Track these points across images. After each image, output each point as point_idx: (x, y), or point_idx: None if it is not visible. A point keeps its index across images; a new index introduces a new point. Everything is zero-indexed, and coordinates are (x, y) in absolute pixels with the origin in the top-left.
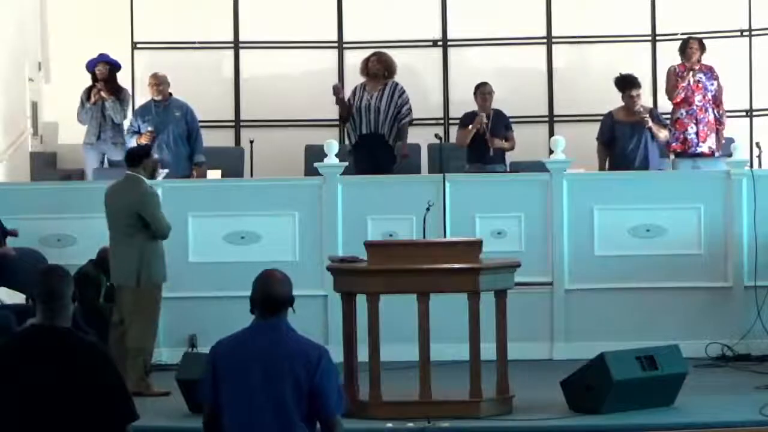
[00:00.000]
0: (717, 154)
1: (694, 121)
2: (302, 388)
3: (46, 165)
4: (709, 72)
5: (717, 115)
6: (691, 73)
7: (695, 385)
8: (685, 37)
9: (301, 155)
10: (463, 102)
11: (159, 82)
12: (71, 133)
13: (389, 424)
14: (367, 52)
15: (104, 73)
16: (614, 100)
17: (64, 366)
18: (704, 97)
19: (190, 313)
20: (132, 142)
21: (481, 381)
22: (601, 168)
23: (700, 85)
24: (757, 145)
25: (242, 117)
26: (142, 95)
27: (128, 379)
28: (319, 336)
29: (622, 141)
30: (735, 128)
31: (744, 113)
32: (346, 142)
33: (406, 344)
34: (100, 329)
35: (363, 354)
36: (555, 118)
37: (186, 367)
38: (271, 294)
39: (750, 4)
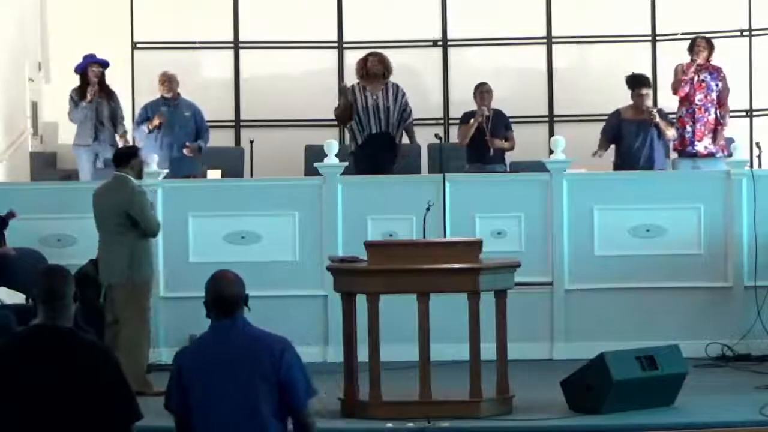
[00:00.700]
0: (719, 154)
1: (692, 120)
2: (270, 383)
3: (46, 165)
4: (716, 72)
5: (718, 115)
6: (693, 68)
7: (695, 385)
8: (685, 37)
9: (301, 155)
10: (463, 102)
11: (170, 79)
12: (71, 133)
13: (389, 424)
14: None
15: (99, 75)
16: (614, 100)
17: (67, 366)
18: (706, 96)
19: (190, 313)
20: (143, 129)
21: (481, 381)
22: (600, 149)
23: (704, 84)
24: (757, 145)
25: (242, 117)
26: (141, 95)
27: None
28: (319, 336)
29: (627, 139)
30: (735, 128)
31: (744, 113)
32: (347, 142)
33: (406, 344)
34: (100, 329)
35: (363, 354)
36: (555, 118)
37: None
38: (222, 295)
39: (750, 4)
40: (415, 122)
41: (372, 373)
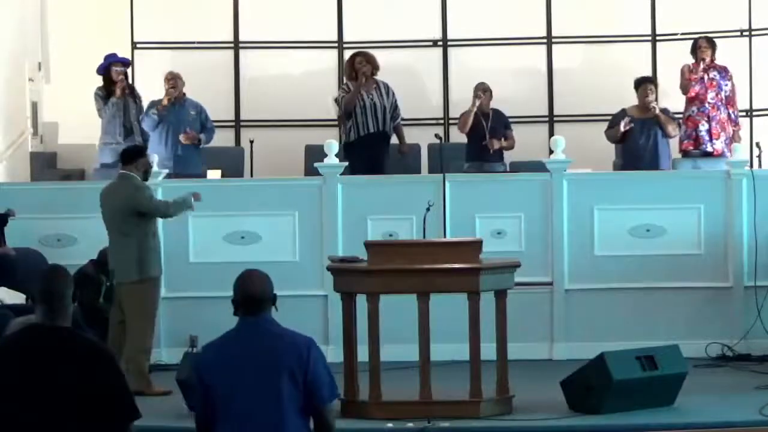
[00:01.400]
0: (729, 155)
1: (706, 119)
2: (297, 381)
3: (46, 165)
4: (724, 72)
5: (732, 115)
6: (701, 66)
7: (695, 385)
8: (685, 37)
9: (301, 155)
10: (463, 102)
11: (175, 77)
12: (71, 133)
13: (389, 424)
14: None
15: (122, 72)
16: (615, 100)
17: (65, 365)
18: (717, 95)
19: (190, 313)
20: (153, 116)
21: (481, 381)
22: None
23: (714, 83)
24: (757, 145)
25: (242, 117)
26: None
27: (128, 378)
28: (319, 336)
29: (632, 136)
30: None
31: (744, 113)
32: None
33: (406, 344)
34: (100, 329)
35: (363, 354)
36: (555, 118)
37: (186, 367)
38: (251, 293)
39: (750, 4)
40: (415, 122)
41: (372, 373)
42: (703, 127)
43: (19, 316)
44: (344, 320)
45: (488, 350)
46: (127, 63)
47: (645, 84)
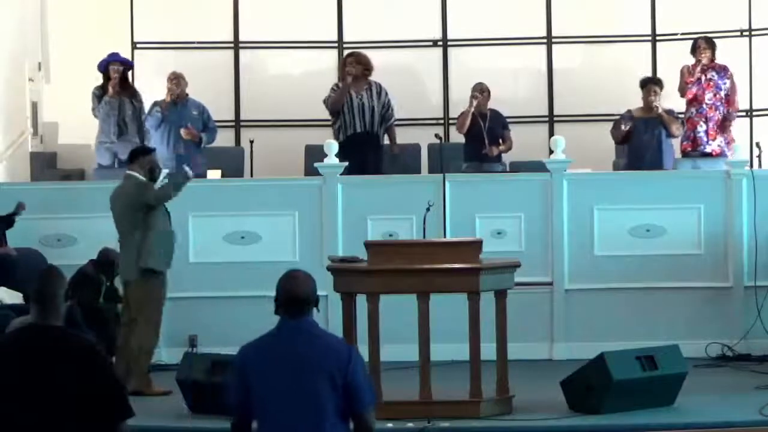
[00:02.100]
0: (729, 153)
1: (704, 120)
2: (336, 385)
3: (46, 165)
4: (723, 71)
5: (727, 112)
6: (699, 68)
7: (695, 385)
8: (685, 37)
9: (301, 155)
10: (463, 102)
11: (178, 77)
12: (71, 133)
13: (389, 424)
14: (368, 52)
15: (119, 71)
16: (615, 100)
17: (58, 364)
18: (715, 95)
19: (190, 313)
20: (156, 114)
21: (481, 381)
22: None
23: (712, 83)
24: (757, 145)
25: (242, 117)
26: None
27: (131, 378)
28: None
29: (636, 135)
30: (735, 128)
31: (744, 113)
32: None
33: (406, 344)
34: (99, 329)
35: (363, 354)
36: (555, 118)
37: (186, 367)
38: (296, 294)
39: (750, 4)
40: (415, 122)
41: (372, 373)
42: (701, 128)
43: (19, 315)
44: (344, 320)
45: (488, 350)
46: (127, 63)
47: (649, 85)
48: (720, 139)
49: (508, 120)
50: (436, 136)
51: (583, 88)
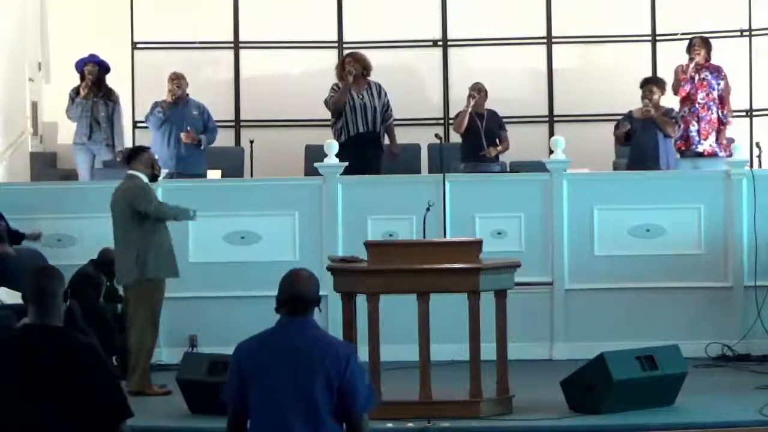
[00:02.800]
0: (721, 153)
1: (696, 119)
2: (332, 386)
3: (46, 165)
4: (717, 72)
5: (721, 114)
6: (691, 67)
7: (695, 385)
8: (685, 37)
9: (301, 155)
10: (463, 102)
11: (179, 77)
12: (71, 133)
13: (389, 424)
14: (368, 52)
15: (93, 73)
16: (615, 100)
17: (56, 364)
18: (708, 95)
19: (190, 313)
20: (157, 114)
21: (481, 381)
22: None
23: (705, 83)
24: (757, 145)
25: (242, 117)
26: (141, 95)
27: (131, 378)
28: None
29: (635, 135)
30: (735, 128)
31: (744, 113)
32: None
33: (406, 344)
34: (99, 329)
35: (363, 354)
36: (555, 118)
37: (186, 367)
38: (299, 293)
39: (750, 4)
40: (415, 122)
41: (372, 373)
42: (693, 127)
43: (19, 315)
44: (344, 320)
45: (488, 350)
46: (102, 64)
47: (646, 85)
48: (711, 140)
49: (509, 120)
50: (436, 136)
51: (583, 88)
